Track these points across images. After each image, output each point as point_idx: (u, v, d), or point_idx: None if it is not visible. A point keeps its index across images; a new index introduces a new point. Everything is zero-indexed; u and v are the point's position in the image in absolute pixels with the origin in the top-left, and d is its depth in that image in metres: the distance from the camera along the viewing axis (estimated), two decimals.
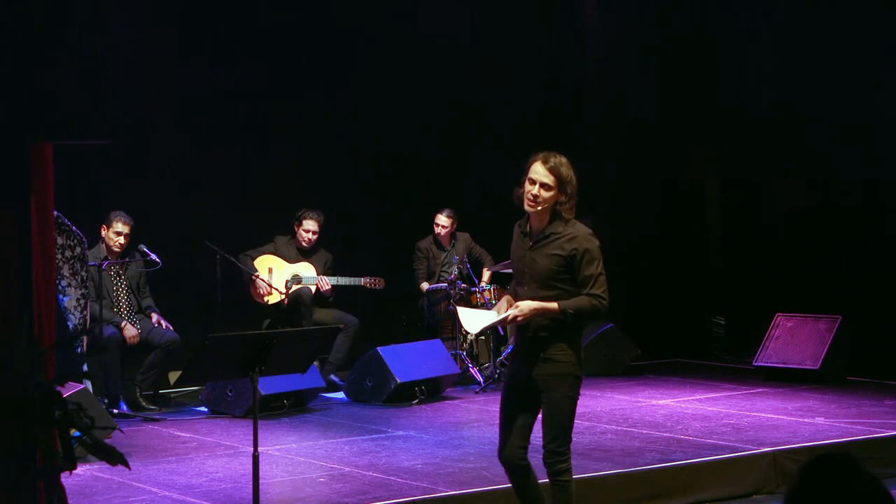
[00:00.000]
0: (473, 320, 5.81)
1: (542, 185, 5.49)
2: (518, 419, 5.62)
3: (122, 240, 9.56)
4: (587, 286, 5.53)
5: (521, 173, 5.57)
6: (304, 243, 10.62)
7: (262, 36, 11.20)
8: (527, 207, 5.54)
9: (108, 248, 9.60)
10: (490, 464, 6.90)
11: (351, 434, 8.52)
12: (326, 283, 10.52)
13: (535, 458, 5.66)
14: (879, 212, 11.02)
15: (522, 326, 5.57)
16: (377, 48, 11.72)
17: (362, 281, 10.72)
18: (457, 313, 5.60)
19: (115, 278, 9.66)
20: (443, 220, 11.10)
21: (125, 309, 9.66)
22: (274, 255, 10.59)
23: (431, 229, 11.27)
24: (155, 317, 9.74)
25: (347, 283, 10.70)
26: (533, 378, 5.54)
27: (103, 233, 9.57)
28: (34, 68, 5.07)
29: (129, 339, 9.46)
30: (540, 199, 5.49)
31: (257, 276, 10.35)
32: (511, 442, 5.61)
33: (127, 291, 9.70)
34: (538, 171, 5.51)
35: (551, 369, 5.51)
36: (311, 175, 11.57)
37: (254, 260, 10.49)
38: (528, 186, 5.51)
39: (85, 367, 7.59)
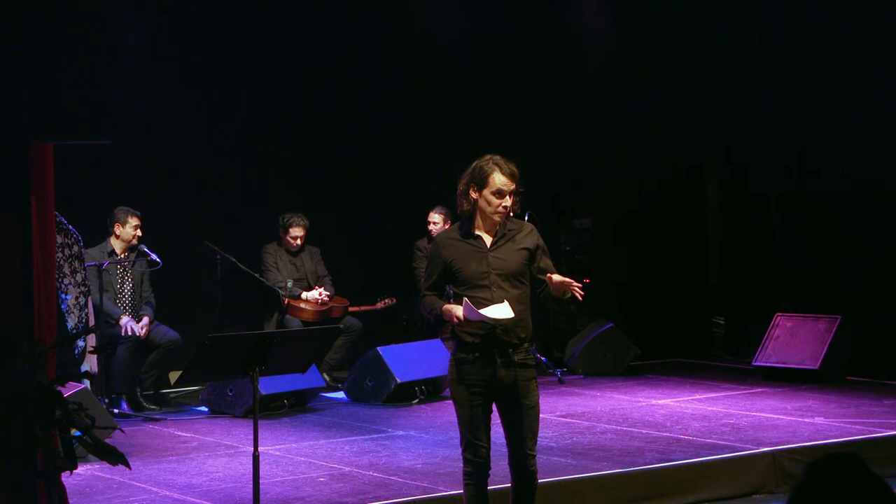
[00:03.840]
0: (500, 311, 5.41)
1: (511, 194, 5.51)
2: (487, 424, 5.56)
3: (139, 232, 9.66)
4: (555, 272, 5.59)
5: (475, 177, 5.51)
6: (292, 248, 10.65)
7: (262, 37, 11.19)
8: (497, 219, 5.51)
9: (125, 242, 9.65)
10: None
11: (351, 434, 8.52)
12: (323, 296, 10.57)
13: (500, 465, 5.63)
14: (879, 211, 11.02)
15: (494, 328, 5.42)
16: (376, 48, 11.73)
17: (378, 304, 11.04)
18: (477, 315, 5.35)
19: (121, 275, 9.69)
20: (435, 217, 10.98)
21: (129, 306, 9.67)
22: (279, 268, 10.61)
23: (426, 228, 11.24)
24: (145, 319, 9.69)
25: (367, 310, 10.96)
26: (508, 381, 5.46)
27: (118, 230, 9.63)
28: (35, 69, 5.07)
29: (131, 327, 9.43)
30: (509, 208, 5.53)
31: (306, 297, 10.51)
32: (487, 445, 5.55)
33: (132, 288, 9.72)
34: (503, 181, 5.49)
35: (528, 374, 5.53)
36: (310, 175, 11.58)
37: (277, 281, 10.48)
38: (496, 200, 5.48)
39: (86, 367, 7.60)
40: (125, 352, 9.40)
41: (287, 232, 10.59)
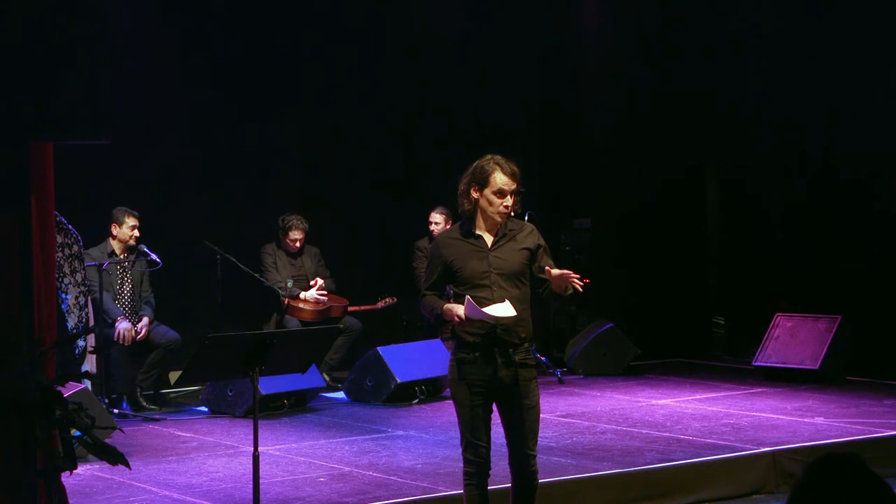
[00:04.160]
0: (502, 310, 5.43)
1: (512, 194, 5.52)
2: (488, 424, 5.58)
3: (136, 233, 9.66)
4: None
5: (476, 177, 5.52)
6: (292, 250, 10.65)
7: (262, 37, 11.20)
8: (498, 218, 5.52)
9: (122, 242, 9.65)
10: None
11: (351, 434, 8.52)
12: (321, 297, 10.56)
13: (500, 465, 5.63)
14: (879, 211, 11.02)
15: (494, 328, 5.45)
16: (376, 48, 11.73)
17: (378, 304, 11.08)
18: (479, 313, 5.37)
19: (121, 275, 9.69)
20: (437, 218, 10.96)
21: (128, 306, 9.67)
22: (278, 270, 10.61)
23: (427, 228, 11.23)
24: (145, 319, 9.69)
25: (367, 310, 11.01)
26: (508, 381, 5.48)
27: (115, 230, 9.64)
28: (35, 69, 5.07)
29: (123, 333, 9.40)
30: (510, 207, 5.53)
31: (305, 297, 10.51)
32: (487, 445, 5.57)
33: (131, 288, 9.72)
34: (505, 181, 5.50)
35: (528, 374, 5.54)
36: (310, 175, 11.58)
37: (276, 281, 10.48)
38: (498, 199, 5.49)
39: (86, 367, 7.60)
40: (118, 353, 9.38)
41: (286, 234, 10.58)
